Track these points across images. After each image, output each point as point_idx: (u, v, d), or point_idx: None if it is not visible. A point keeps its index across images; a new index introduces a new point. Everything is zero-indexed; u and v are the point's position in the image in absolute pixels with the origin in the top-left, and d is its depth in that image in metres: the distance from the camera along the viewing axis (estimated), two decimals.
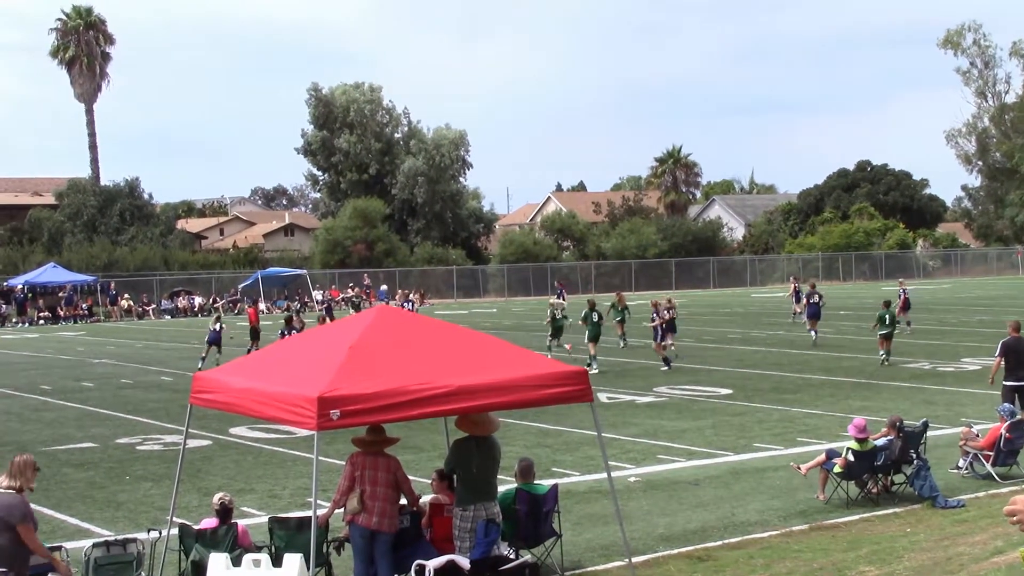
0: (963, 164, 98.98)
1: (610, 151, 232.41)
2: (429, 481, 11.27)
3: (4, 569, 8.84)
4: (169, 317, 58.63)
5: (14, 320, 55.55)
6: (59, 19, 78.01)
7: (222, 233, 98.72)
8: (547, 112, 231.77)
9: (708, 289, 76.86)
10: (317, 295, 62.83)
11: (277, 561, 9.71)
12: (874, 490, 13.93)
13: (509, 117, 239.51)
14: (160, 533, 10.58)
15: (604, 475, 11.19)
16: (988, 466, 14.89)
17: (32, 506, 9.24)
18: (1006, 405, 15.67)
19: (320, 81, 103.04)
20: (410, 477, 10.47)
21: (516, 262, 75.86)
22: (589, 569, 11.20)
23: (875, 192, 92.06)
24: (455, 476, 10.46)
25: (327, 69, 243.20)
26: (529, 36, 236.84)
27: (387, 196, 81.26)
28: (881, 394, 22.62)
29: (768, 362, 29.05)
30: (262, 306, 51.47)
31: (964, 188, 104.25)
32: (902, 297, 36.41)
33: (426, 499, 11.01)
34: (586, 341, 28.77)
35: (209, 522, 10.60)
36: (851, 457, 13.59)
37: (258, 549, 10.21)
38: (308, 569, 9.41)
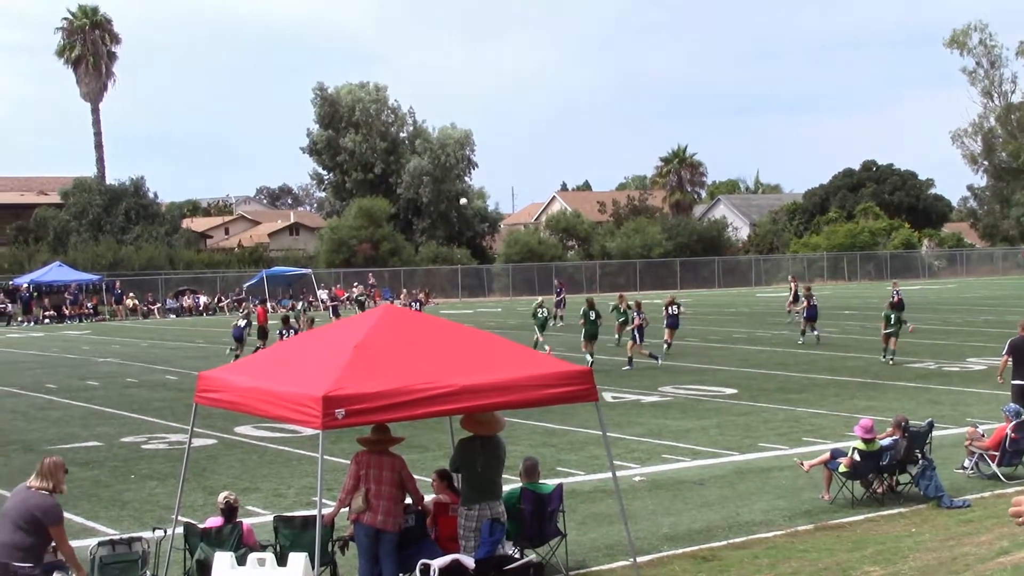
0: (969, 164, 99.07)
1: (615, 150, 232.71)
2: (430, 481, 11.26)
3: (31, 565, 8.91)
4: (174, 316, 58.69)
5: (20, 319, 55.63)
6: (65, 18, 78.22)
7: (227, 232, 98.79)
8: (552, 111, 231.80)
9: (713, 289, 76.81)
10: (322, 294, 62.91)
11: (282, 560, 9.71)
12: (879, 490, 13.91)
13: (514, 116, 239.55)
14: (165, 532, 10.58)
15: (609, 475, 11.18)
16: (994, 466, 14.87)
17: None
18: (1012, 405, 15.64)
19: (326, 80, 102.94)
20: (415, 476, 10.48)
21: (521, 262, 75.86)
22: (594, 569, 11.19)
23: (880, 192, 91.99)
24: (460, 475, 10.47)
25: (333, 68, 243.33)
26: (534, 35, 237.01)
27: (392, 195, 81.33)
28: (886, 394, 22.60)
29: (773, 362, 29.02)
30: (268, 305, 51.59)
31: (970, 188, 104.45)
32: (895, 298, 36.68)
33: (431, 498, 11.01)
34: (582, 339, 28.86)
35: (214, 521, 10.60)
36: (857, 457, 13.57)
37: (263, 548, 10.21)
38: (313, 568, 9.41)
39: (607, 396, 22.10)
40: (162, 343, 40.80)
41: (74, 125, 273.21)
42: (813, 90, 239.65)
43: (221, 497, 10.68)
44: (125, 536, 10.68)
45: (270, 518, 11.36)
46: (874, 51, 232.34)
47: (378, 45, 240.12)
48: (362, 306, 48.67)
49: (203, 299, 61.37)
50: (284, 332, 27.73)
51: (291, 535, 10.38)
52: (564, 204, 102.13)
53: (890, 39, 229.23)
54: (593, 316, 28.51)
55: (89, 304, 57.97)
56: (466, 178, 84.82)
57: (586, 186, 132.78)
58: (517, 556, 10.47)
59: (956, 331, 36.79)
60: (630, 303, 30.66)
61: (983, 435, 15.33)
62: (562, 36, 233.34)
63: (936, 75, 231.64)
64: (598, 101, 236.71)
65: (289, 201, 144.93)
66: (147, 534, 10.71)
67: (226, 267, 71.54)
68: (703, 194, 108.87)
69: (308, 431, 13.66)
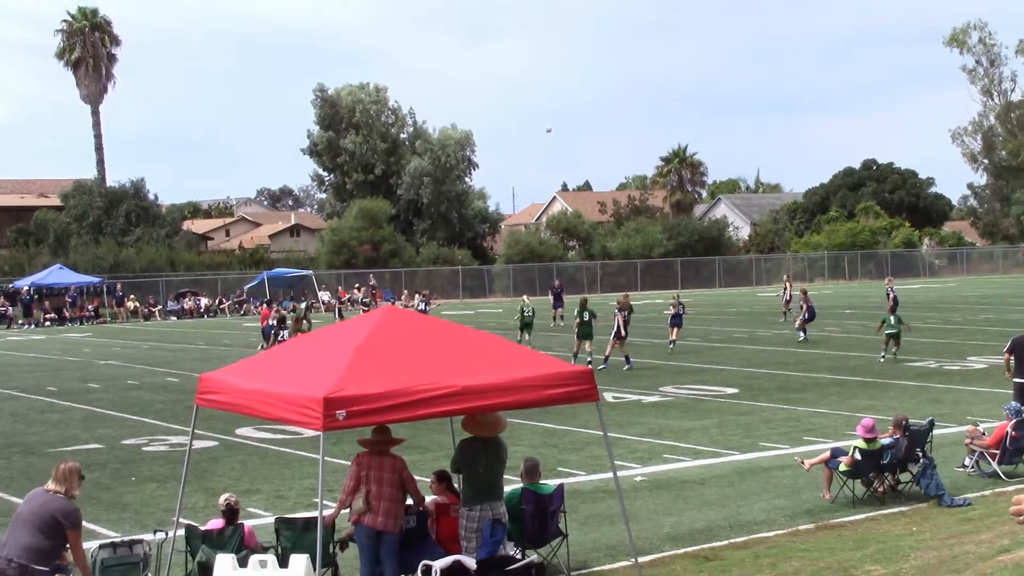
0: (969, 162, 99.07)
1: (615, 151, 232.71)
2: (428, 482, 11.27)
3: (47, 569, 8.90)
4: (175, 318, 58.67)
5: (20, 322, 55.61)
6: (65, 20, 78.14)
7: (228, 234, 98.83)
8: (552, 112, 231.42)
9: (714, 288, 76.79)
10: (324, 296, 62.92)
11: (283, 562, 9.72)
12: (880, 489, 13.91)
13: (514, 117, 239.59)
14: (166, 534, 10.58)
15: (610, 475, 11.18)
16: (994, 464, 14.87)
17: None
18: (1013, 403, 15.64)
19: (326, 82, 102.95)
20: (416, 477, 10.48)
21: (522, 262, 75.82)
22: (595, 569, 11.19)
23: (881, 191, 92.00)
24: (461, 476, 10.47)
25: (333, 70, 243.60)
26: (534, 36, 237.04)
27: (393, 196, 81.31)
28: (887, 393, 22.59)
29: (774, 361, 29.02)
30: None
31: (970, 186, 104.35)
32: (891, 296, 36.81)
33: (431, 499, 11.01)
34: (576, 339, 28.82)
35: (215, 523, 10.61)
36: (858, 456, 13.58)
37: (264, 550, 10.21)
38: (314, 570, 9.42)
39: (608, 396, 22.10)
40: (163, 345, 40.81)
41: (74, 127, 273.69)
42: (813, 89, 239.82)
43: (222, 499, 10.69)
44: (126, 538, 10.68)
45: (271, 520, 11.37)
46: (874, 50, 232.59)
47: (378, 46, 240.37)
48: (367, 308, 48.77)
49: (204, 301, 61.34)
50: (280, 332, 27.72)
51: (292, 537, 10.38)
52: (565, 204, 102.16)
53: (890, 38, 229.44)
54: (587, 316, 28.47)
55: (90, 306, 57.96)
56: (466, 179, 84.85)
57: (586, 186, 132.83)
58: (519, 557, 10.47)
59: (957, 330, 36.79)
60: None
61: (984, 433, 15.33)
62: (562, 36, 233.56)
63: (936, 74, 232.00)
64: (598, 101, 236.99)
65: (290, 203, 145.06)
66: (148, 536, 10.72)
67: (227, 269, 71.52)
68: (704, 194, 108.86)
69: (309, 433, 13.68)
